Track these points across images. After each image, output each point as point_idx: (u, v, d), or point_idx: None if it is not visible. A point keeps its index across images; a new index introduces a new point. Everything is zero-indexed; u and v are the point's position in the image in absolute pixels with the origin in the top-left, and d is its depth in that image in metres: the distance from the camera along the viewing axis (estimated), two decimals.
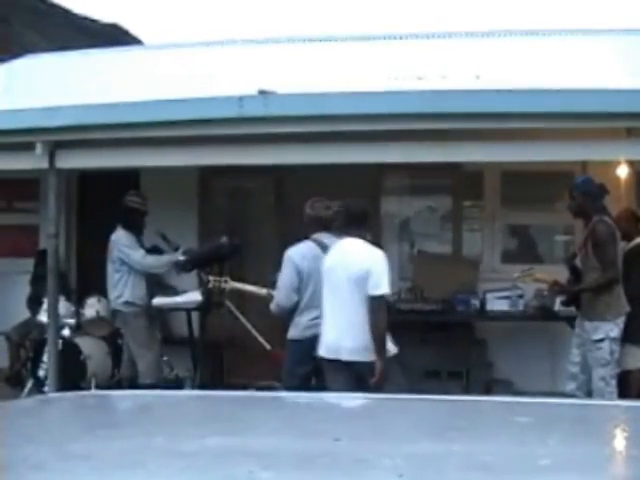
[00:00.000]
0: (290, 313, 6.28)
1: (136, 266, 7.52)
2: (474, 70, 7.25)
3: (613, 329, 6.12)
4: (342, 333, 5.61)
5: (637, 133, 6.43)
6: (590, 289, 6.30)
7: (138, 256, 7.52)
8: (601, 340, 6.10)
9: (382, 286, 5.53)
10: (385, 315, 5.52)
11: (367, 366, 5.45)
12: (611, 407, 3.11)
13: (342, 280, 5.60)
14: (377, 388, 5.31)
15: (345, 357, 5.58)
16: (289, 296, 6.20)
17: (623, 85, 6.16)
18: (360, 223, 5.77)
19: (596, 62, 7.18)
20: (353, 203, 5.92)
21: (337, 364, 5.61)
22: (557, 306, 7.54)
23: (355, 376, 5.55)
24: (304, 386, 5.99)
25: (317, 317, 6.18)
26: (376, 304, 5.49)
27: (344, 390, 5.26)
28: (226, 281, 6.94)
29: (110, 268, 7.63)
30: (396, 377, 5.80)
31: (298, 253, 6.25)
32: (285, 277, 6.20)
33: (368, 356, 5.48)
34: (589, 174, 7.24)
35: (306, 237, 6.39)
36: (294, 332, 6.26)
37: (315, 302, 6.18)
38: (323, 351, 5.72)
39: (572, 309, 6.83)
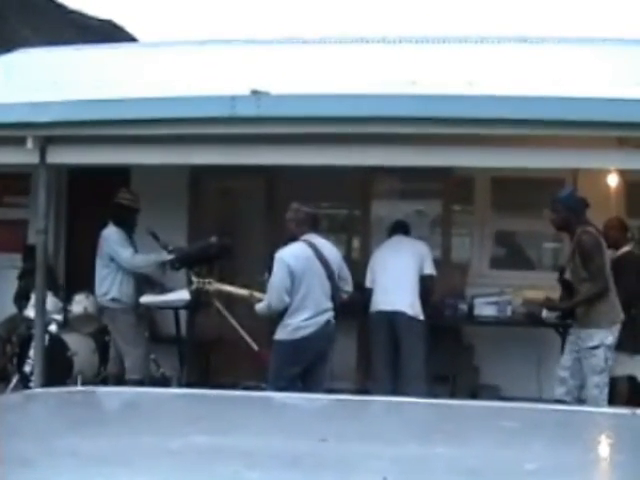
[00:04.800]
0: (279, 315, 6.27)
1: (124, 264, 7.50)
2: (467, 76, 7.26)
3: (608, 337, 6.13)
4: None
5: (628, 142, 6.46)
6: (581, 302, 6.31)
7: (127, 254, 7.51)
8: (596, 347, 6.12)
9: None
10: None
11: None
12: (596, 413, 3.12)
13: None
14: None
15: None
16: (281, 298, 6.19)
17: (615, 94, 6.18)
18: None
19: (588, 71, 7.20)
20: None
21: None
22: (544, 313, 7.56)
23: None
24: (291, 388, 5.99)
25: (307, 318, 6.19)
26: None
27: None
28: (210, 282, 6.93)
29: (99, 264, 7.61)
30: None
31: (291, 255, 6.24)
32: (277, 279, 6.19)
33: None
34: (570, 186, 7.27)
35: (294, 238, 6.40)
36: (282, 333, 6.25)
37: (306, 303, 6.19)
38: None
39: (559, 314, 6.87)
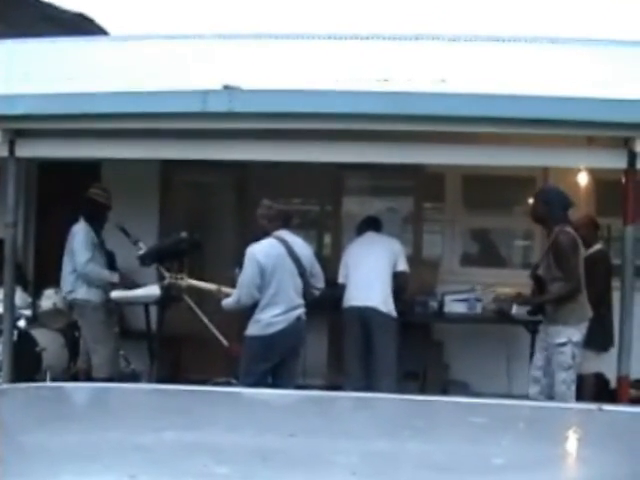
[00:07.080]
0: (249, 310, 6.27)
1: (77, 266, 7.44)
2: (440, 74, 7.28)
3: (575, 334, 6.18)
4: None
5: (597, 142, 6.52)
6: (552, 300, 6.36)
7: (82, 258, 7.42)
8: (564, 344, 6.16)
9: None
10: None
11: None
12: (564, 409, 3.15)
13: None
14: None
15: None
16: (251, 294, 6.19)
17: (585, 94, 6.23)
18: None
19: (560, 70, 7.25)
20: None
21: None
22: (514, 310, 7.61)
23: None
24: (261, 383, 5.99)
25: (279, 314, 6.19)
26: None
27: None
28: (182, 278, 6.91)
29: (66, 260, 7.54)
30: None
31: (262, 251, 6.24)
32: (248, 275, 6.19)
33: None
34: (551, 183, 7.33)
35: (266, 234, 6.39)
36: (254, 329, 6.25)
37: (277, 299, 6.20)
38: None
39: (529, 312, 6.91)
